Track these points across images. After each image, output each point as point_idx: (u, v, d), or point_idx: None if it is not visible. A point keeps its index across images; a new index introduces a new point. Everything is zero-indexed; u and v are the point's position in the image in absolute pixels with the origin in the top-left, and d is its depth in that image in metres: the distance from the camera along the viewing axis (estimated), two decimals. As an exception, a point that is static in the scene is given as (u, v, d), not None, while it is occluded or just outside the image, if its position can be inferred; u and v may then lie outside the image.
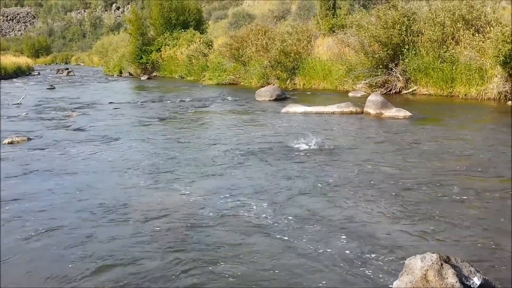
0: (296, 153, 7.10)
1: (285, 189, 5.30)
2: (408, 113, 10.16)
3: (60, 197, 5.26)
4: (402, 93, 14.69)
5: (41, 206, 4.98)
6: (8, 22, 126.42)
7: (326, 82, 17.62)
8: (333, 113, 10.95)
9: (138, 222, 4.43)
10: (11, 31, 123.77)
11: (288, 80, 18.73)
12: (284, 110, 11.52)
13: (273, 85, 17.62)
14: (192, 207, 4.80)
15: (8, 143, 8.34)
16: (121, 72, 35.42)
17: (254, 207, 4.73)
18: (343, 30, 17.67)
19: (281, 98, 14.48)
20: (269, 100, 14.30)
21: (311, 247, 3.79)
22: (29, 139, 8.67)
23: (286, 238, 3.99)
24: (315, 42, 19.31)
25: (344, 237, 3.97)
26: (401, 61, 14.55)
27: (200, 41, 27.12)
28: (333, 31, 19.57)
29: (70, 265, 3.59)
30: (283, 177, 5.80)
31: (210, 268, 3.49)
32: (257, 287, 3.23)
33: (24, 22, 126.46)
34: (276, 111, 11.76)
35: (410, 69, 14.45)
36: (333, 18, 21.00)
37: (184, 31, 30.88)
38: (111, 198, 5.18)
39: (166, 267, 3.53)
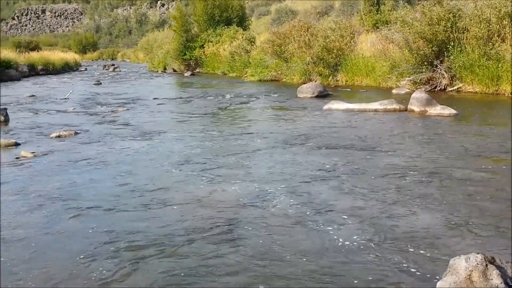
0: (338, 149, 7.07)
1: (325, 184, 5.30)
2: (453, 111, 9.96)
3: (105, 186, 5.44)
4: (447, 90, 14.39)
5: (83, 193, 5.19)
6: (56, 18, 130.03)
7: (369, 79, 17.42)
8: (376, 110, 10.84)
9: (181, 208, 4.54)
10: (59, 27, 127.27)
11: (330, 77, 18.58)
12: (326, 106, 11.47)
13: (315, 81, 17.48)
14: (230, 198, 4.88)
15: (56, 137, 8.61)
16: (165, 68, 35.92)
17: (291, 199, 4.76)
18: (387, 26, 17.44)
19: (323, 95, 14.38)
20: (311, 97, 14.23)
21: (349, 242, 3.79)
22: (76, 133, 8.92)
23: (323, 232, 4.00)
24: (358, 39, 19.08)
25: (383, 232, 3.95)
26: (446, 58, 14.26)
27: (242, 37, 27.22)
28: (377, 27, 19.29)
29: (102, 246, 3.71)
30: (323, 171, 5.81)
31: (250, 259, 3.54)
32: (298, 282, 3.25)
33: (72, 19, 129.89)
34: (318, 108, 11.70)
35: (455, 66, 14.14)
36: (377, 14, 20.71)
37: (227, 27, 31.04)
38: (150, 186, 5.36)
39: (198, 255, 3.60)
